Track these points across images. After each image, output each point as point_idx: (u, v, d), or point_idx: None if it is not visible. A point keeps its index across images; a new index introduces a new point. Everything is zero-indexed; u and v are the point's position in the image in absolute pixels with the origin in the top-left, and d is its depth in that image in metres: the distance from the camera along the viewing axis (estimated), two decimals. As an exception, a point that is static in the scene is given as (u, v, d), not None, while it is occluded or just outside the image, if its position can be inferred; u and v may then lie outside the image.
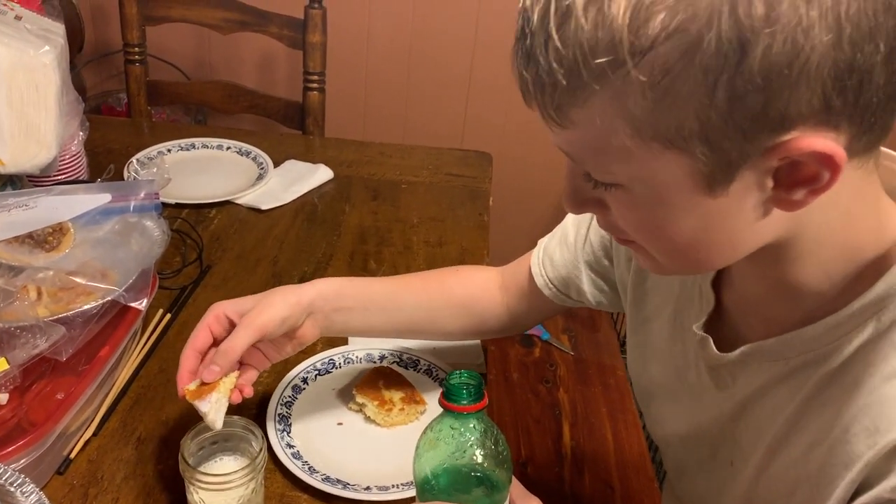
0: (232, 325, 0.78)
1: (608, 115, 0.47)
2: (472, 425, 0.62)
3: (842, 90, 0.45)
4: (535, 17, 0.47)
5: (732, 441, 0.67)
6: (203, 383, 0.74)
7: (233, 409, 0.88)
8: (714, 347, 0.65)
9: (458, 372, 0.62)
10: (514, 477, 0.65)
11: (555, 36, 0.46)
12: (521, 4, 0.49)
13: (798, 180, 0.48)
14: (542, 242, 0.91)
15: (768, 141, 0.46)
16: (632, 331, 0.81)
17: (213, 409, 0.72)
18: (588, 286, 0.86)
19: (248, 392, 0.77)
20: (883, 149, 0.58)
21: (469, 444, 0.62)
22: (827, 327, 0.56)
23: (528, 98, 0.51)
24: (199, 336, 0.77)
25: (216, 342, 0.78)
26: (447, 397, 0.61)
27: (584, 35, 0.45)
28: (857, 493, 0.54)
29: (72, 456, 0.82)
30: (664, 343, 0.75)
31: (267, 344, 0.80)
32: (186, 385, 0.75)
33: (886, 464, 0.52)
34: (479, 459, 0.62)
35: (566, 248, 0.87)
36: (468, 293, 0.93)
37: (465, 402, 0.61)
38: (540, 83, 0.49)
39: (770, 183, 0.49)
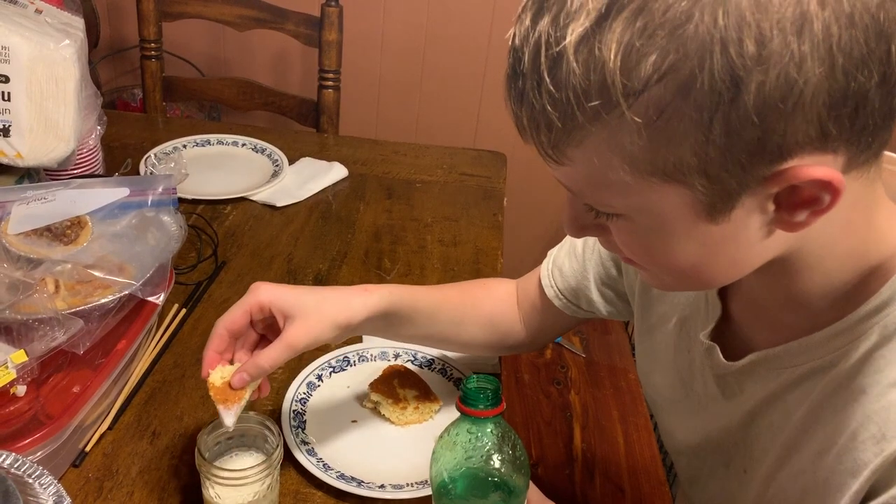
0: (271, 318, 0.75)
1: (605, 153, 0.47)
2: (489, 430, 0.62)
3: (837, 118, 0.45)
4: (527, 58, 0.47)
5: (745, 449, 0.66)
6: (228, 384, 0.73)
7: (248, 406, 0.89)
8: (721, 356, 0.65)
9: (475, 376, 0.62)
10: (531, 482, 0.64)
11: (547, 79, 0.46)
12: (510, 42, 0.49)
13: (799, 203, 0.48)
14: (552, 253, 0.91)
15: (767, 171, 0.46)
16: (639, 338, 0.81)
17: (235, 416, 0.72)
18: (597, 296, 0.85)
19: (266, 390, 0.77)
20: (887, 153, 0.57)
21: (486, 448, 0.62)
22: (833, 334, 0.56)
23: (525, 135, 0.51)
24: (237, 318, 0.75)
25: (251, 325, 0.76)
26: (464, 401, 0.61)
27: (577, 78, 0.45)
28: (864, 500, 0.54)
29: (87, 449, 0.82)
30: (670, 351, 0.74)
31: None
32: (211, 369, 0.74)
33: (893, 470, 0.52)
34: (497, 464, 0.62)
35: (575, 258, 0.86)
36: (493, 307, 0.92)
37: (482, 407, 0.61)
38: (535, 123, 0.49)
39: (771, 206, 0.49)
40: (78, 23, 1.10)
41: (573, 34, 0.44)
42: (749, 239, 0.51)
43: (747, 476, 0.66)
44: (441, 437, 0.64)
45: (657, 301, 0.76)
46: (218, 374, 0.74)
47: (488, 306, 0.92)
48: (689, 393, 0.72)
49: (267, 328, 0.78)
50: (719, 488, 0.72)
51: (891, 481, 0.52)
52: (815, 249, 0.54)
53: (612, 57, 0.44)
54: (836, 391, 0.56)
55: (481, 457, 0.61)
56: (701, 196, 0.48)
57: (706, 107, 0.43)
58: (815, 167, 0.46)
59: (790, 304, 0.59)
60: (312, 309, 0.74)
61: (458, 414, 0.63)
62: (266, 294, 0.75)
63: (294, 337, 0.73)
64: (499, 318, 0.92)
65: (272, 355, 0.73)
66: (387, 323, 0.82)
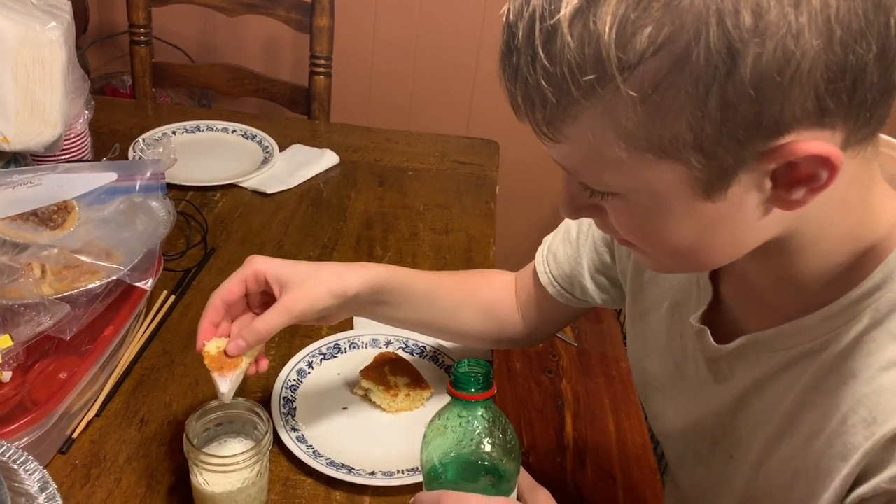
0: (266, 288, 0.75)
1: (600, 129, 0.47)
2: (479, 414, 0.62)
3: (835, 91, 0.44)
4: (521, 33, 0.46)
5: (732, 434, 0.66)
6: (224, 352, 0.71)
7: (237, 393, 0.88)
8: (712, 339, 0.65)
9: (466, 360, 0.62)
10: (521, 467, 0.64)
11: (541, 54, 0.45)
12: (504, 18, 0.48)
13: (797, 180, 0.48)
14: (547, 240, 0.90)
15: (763, 146, 0.46)
16: (630, 323, 0.81)
17: (231, 385, 0.71)
18: (591, 283, 0.85)
19: (264, 366, 0.76)
20: (883, 136, 0.57)
21: (477, 432, 0.61)
22: (824, 317, 0.56)
23: (519, 113, 0.50)
24: (233, 288, 0.74)
25: (246, 298, 0.76)
26: (455, 385, 0.61)
27: (572, 53, 0.44)
28: (855, 484, 0.53)
29: (74, 436, 0.81)
30: (662, 336, 0.74)
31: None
32: (206, 340, 0.73)
33: (884, 454, 0.51)
34: (487, 448, 0.61)
35: (569, 244, 0.86)
36: (491, 296, 0.92)
37: (473, 391, 0.60)
38: (529, 100, 0.48)
39: (769, 184, 0.48)
40: (65, 5, 1.08)
41: (567, 7, 0.44)
42: (746, 218, 0.51)
43: (733, 461, 0.66)
44: (432, 421, 0.63)
45: (649, 286, 0.76)
46: (214, 345, 0.73)
47: (486, 295, 0.91)
48: (681, 377, 0.72)
49: (262, 306, 0.77)
50: (705, 474, 0.72)
51: (881, 464, 0.51)
52: (811, 230, 0.54)
53: (606, 30, 0.43)
54: (826, 375, 0.56)
55: (472, 441, 0.61)
56: (697, 173, 0.47)
57: (702, 80, 0.43)
58: (813, 142, 0.45)
59: (783, 286, 0.59)
60: (308, 276, 0.74)
61: (449, 400, 0.63)
62: (262, 264, 0.75)
63: (291, 300, 0.72)
64: (497, 308, 0.91)
65: (269, 319, 0.72)
66: (381, 300, 0.81)
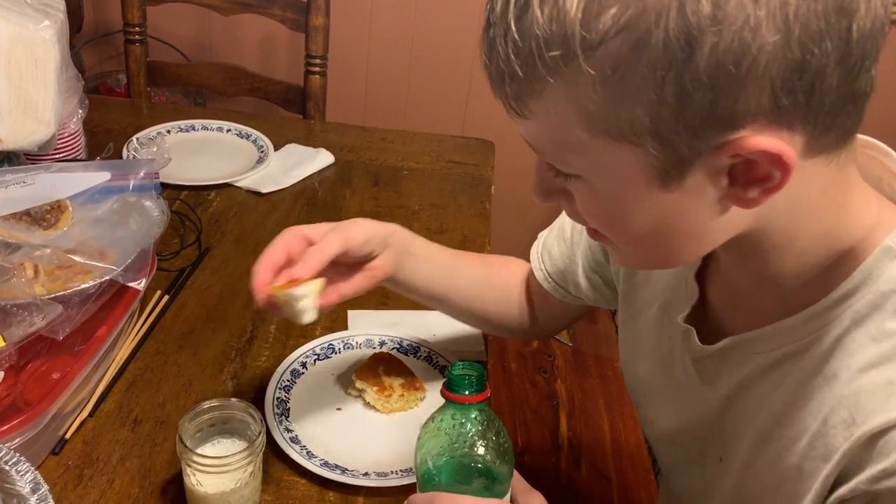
0: (309, 245, 0.76)
1: (562, 107, 0.48)
2: (473, 416, 0.61)
3: (791, 90, 0.45)
4: (498, 7, 0.48)
5: (720, 436, 0.66)
6: (290, 282, 0.71)
7: (231, 393, 0.88)
8: (697, 339, 0.65)
9: (460, 363, 0.62)
10: (515, 470, 0.64)
11: (513, 28, 0.47)
12: None
13: (752, 179, 0.48)
14: (542, 236, 0.91)
15: (717, 139, 0.46)
16: (622, 325, 0.81)
17: (309, 299, 0.70)
18: (584, 281, 0.85)
19: (333, 299, 0.75)
20: (867, 138, 0.58)
21: (470, 435, 0.61)
22: (805, 319, 0.56)
23: (494, 88, 0.52)
24: (276, 252, 0.74)
25: (289, 263, 0.75)
26: (449, 388, 0.61)
27: (540, 28, 0.45)
28: (835, 485, 0.54)
29: (67, 436, 0.81)
30: (652, 338, 0.74)
31: (342, 274, 0.77)
32: (263, 285, 0.71)
33: (862, 454, 0.52)
34: (481, 451, 0.61)
35: (563, 242, 0.86)
36: (509, 281, 0.93)
37: (466, 393, 0.60)
38: (500, 73, 0.49)
39: (725, 181, 0.49)
40: (59, 4, 1.08)
41: None
42: (704, 213, 0.51)
43: (723, 464, 0.66)
44: (426, 423, 0.63)
45: (641, 287, 0.76)
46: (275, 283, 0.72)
47: (504, 277, 0.93)
48: (670, 379, 0.72)
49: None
50: (697, 477, 0.72)
51: (860, 465, 0.52)
52: (784, 229, 0.54)
53: (573, 8, 0.44)
54: (809, 376, 0.56)
55: (465, 443, 0.61)
56: (654, 160, 0.48)
57: (660, 65, 0.44)
58: (765, 138, 0.46)
59: (764, 287, 0.59)
60: (342, 222, 0.78)
61: (443, 402, 0.63)
62: (298, 227, 0.77)
63: (336, 229, 0.75)
64: (510, 293, 0.93)
65: (325, 242, 0.73)
66: (412, 251, 0.83)
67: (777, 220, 0.54)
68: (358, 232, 0.76)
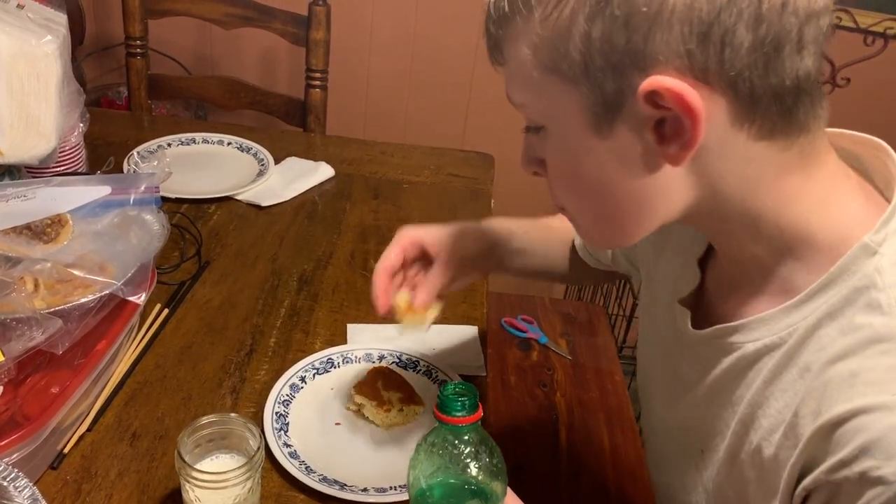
0: (424, 252, 0.83)
1: (521, 46, 0.55)
2: (466, 437, 0.61)
3: (702, 41, 0.49)
4: None
5: (703, 428, 0.67)
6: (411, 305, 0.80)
7: (230, 408, 0.88)
8: (689, 323, 0.68)
9: (452, 384, 0.62)
10: (509, 489, 0.64)
11: None
12: None
13: (674, 134, 0.53)
14: None
15: (635, 78, 0.51)
16: (641, 314, 0.84)
17: (429, 322, 0.81)
18: (620, 257, 0.91)
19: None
20: (880, 142, 0.61)
21: (463, 456, 0.61)
22: (784, 311, 0.58)
23: (489, 52, 0.60)
24: (393, 258, 0.82)
25: (405, 265, 0.84)
26: (441, 409, 0.61)
27: None
28: (801, 476, 0.55)
29: (66, 451, 0.81)
30: (660, 326, 0.76)
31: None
32: (384, 304, 0.80)
33: (823, 444, 0.53)
34: (474, 472, 0.61)
35: None
36: (567, 237, 0.99)
37: (458, 415, 0.60)
38: (487, 27, 0.58)
39: (650, 135, 0.53)
40: (61, 18, 1.09)
41: None
42: (638, 169, 0.55)
43: (704, 457, 0.67)
44: (419, 444, 0.63)
45: (659, 275, 0.78)
46: (401, 298, 0.81)
47: (565, 231, 0.98)
48: (669, 368, 0.73)
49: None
50: (679, 471, 0.73)
51: (822, 455, 0.53)
52: (741, 209, 0.57)
53: None
54: (785, 368, 0.58)
55: (458, 464, 0.61)
56: (587, 101, 0.54)
57: (588, 2, 0.51)
58: (671, 78, 0.50)
59: (749, 275, 0.62)
60: (455, 233, 0.85)
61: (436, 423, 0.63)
62: (415, 231, 0.84)
63: (448, 255, 0.83)
64: (568, 246, 0.99)
65: (438, 276, 0.82)
66: (513, 249, 0.91)
67: (731, 197, 0.57)
68: (468, 250, 0.84)
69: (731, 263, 0.65)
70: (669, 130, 0.53)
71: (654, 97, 0.51)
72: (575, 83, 0.54)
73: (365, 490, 0.79)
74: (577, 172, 0.59)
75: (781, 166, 0.55)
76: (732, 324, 0.62)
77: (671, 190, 0.57)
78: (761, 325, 0.60)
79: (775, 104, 0.52)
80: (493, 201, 1.37)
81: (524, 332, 1.64)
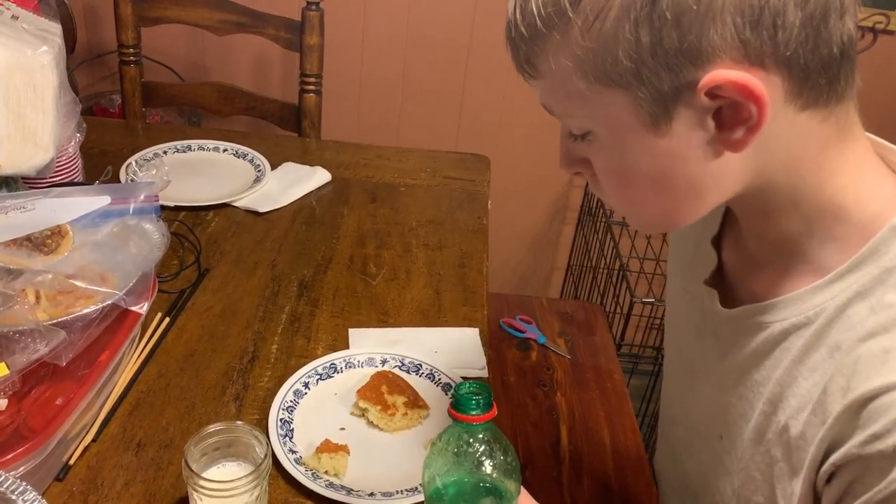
0: None
1: (560, 59, 0.55)
2: (480, 436, 0.62)
3: (755, 26, 0.49)
4: None
5: (726, 412, 0.68)
6: None
7: (234, 415, 0.88)
8: (719, 303, 0.68)
9: (466, 382, 0.62)
10: (522, 487, 0.64)
11: (520, 2, 0.56)
12: None
13: (736, 120, 0.53)
14: None
15: (691, 74, 0.51)
16: (668, 303, 0.85)
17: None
18: None
19: None
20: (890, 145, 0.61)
21: (478, 454, 0.62)
22: (813, 291, 0.59)
23: (514, 63, 0.59)
24: None
25: None
26: (456, 407, 0.61)
27: None
28: (829, 451, 0.56)
29: (71, 462, 0.81)
30: (684, 313, 0.77)
31: None
32: None
33: (854, 419, 0.53)
34: (488, 470, 0.62)
35: None
36: None
37: (474, 413, 0.61)
38: (513, 41, 0.58)
39: (711, 123, 0.54)
40: (55, 28, 1.08)
41: None
42: (698, 159, 0.56)
43: (722, 443, 0.68)
44: (433, 443, 0.64)
45: (679, 263, 0.79)
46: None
47: None
48: (693, 354, 0.74)
49: None
50: (696, 461, 0.74)
51: (852, 430, 0.53)
52: (786, 186, 0.58)
53: None
54: (814, 347, 0.59)
55: (473, 463, 0.61)
56: (641, 102, 0.54)
57: (632, 8, 0.50)
58: (733, 71, 0.51)
59: (779, 254, 0.62)
60: None
61: (447, 419, 0.63)
62: None
63: None
64: None
65: None
66: None
67: (777, 175, 0.57)
68: None
69: (760, 243, 0.65)
70: (728, 117, 0.53)
71: (715, 90, 0.52)
72: (627, 88, 0.53)
73: (371, 495, 0.79)
74: (634, 170, 0.58)
75: (821, 139, 0.56)
76: (762, 304, 0.63)
77: (729, 174, 0.57)
78: (791, 305, 0.61)
79: (824, 74, 0.53)
80: (489, 202, 1.38)
81: (523, 332, 1.65)
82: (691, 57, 0.51)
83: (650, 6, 0.50)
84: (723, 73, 0.51)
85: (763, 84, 0.51)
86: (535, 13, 0.54)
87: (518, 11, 0.56)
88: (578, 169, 0.64)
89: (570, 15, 0.53)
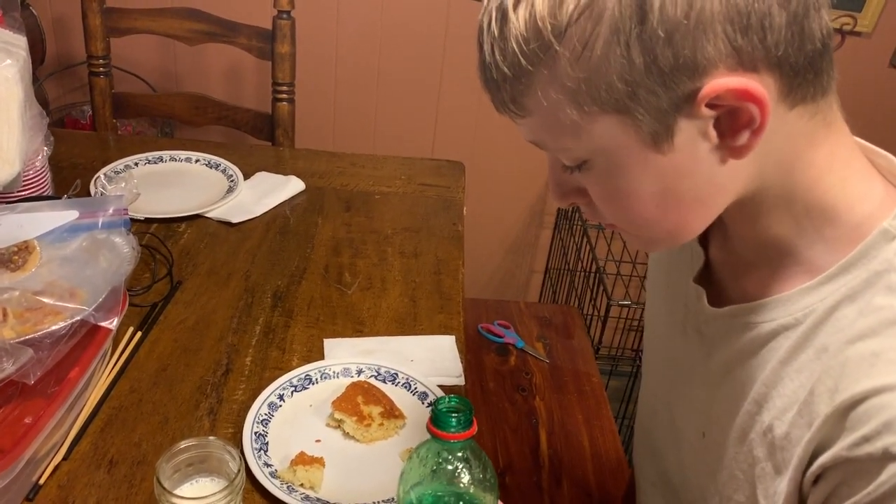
0: None
1: (550, 93, 0.54)
2: (459, 453, 0.61)
3: (745, 32, 0.50)
4: (484, 28, 0.55)
5: (709, 410, 0.68)
6: None
7: (208, 430, 0.87)
8: (706, 301, 0.68)
9: (446, 397, 0.61)
10: (500, 502, 0.64)
11: (497, 38, 0.54)
12: (478, 27, 0.56)
13: (736, 126, 0.53)
14: None
15: (689, 87, 0.51)
16: (647, 300, 0.84)
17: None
18: None
19: None
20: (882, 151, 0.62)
21: (456, 471, 0.61)
22: (802, 292, 0.59)
23: (496, 104, 0.58)
24: None
25: None
26: (435, 423, 0.60)
27: (519, 30, 0.52)
28: (816, 453, 0.56)
29: (41, 482, 0.80)
30: (665, 312, 0.77)
31: None
32: None
33: (842, 421, 0.54)
34: (466, 487, 0.61)
35: None
36: None
37: (453, 430, 0.60)
38: (494, 82, 0.56)
39: (713, 132, 0.53)
40: (20, 41, 1.07)
41: None
42: (703, 171, 0.55)
43: (704, 441, 0.68)
44: (410, 457, 0.63)
45: (657, 263, 0.80)
46: None
47: None
48: (676, 352, 0.74)
49: None
50: (676, 459, 0.74)
51: (840, 433, 0.54)
52: (780, 185, 0.58)
53: (540, 4, 0.51)
54: (801, 349, 0.59)
55: (451, 480, 0.61)
56: (640, 122, 0.53)
57: (622, 31, 0.50)
58: (731, 78, 0.51)
59: (768, 255, 0.63)
60: None
61: (423, 428, 0.62)
62: None
63: None
64: None
65: None
66: None
67: (772, 176, 0.57)
68: None
69: (747, 244, 0.65)
70: (726, 125, 0.53)
71: (714, 99, 0.51)
72: (623, 111, 0.53)
73: (348, 506, 0.78)
74: (638, 192, 0.57)
75: (811, 135, 0.56)
76: (750, 304, 0.63)
77: (732, 181, 0.57)
78: (780, 305, 0.61)
79: (811, 69, 0.53)
80: (465, 209, 1.38)
81: (501, 337, 1.65)
82: (688, 71, 0.50)
83: (640, 27, 0.49)
84: (723, 82, 0.50)
85: (759, 84, 0.51)
86: (518, 51, 0.53)
87: (496, 52, 0.54)
88: (573, 200, 0.63)
89: (557, 48, 0.51)
